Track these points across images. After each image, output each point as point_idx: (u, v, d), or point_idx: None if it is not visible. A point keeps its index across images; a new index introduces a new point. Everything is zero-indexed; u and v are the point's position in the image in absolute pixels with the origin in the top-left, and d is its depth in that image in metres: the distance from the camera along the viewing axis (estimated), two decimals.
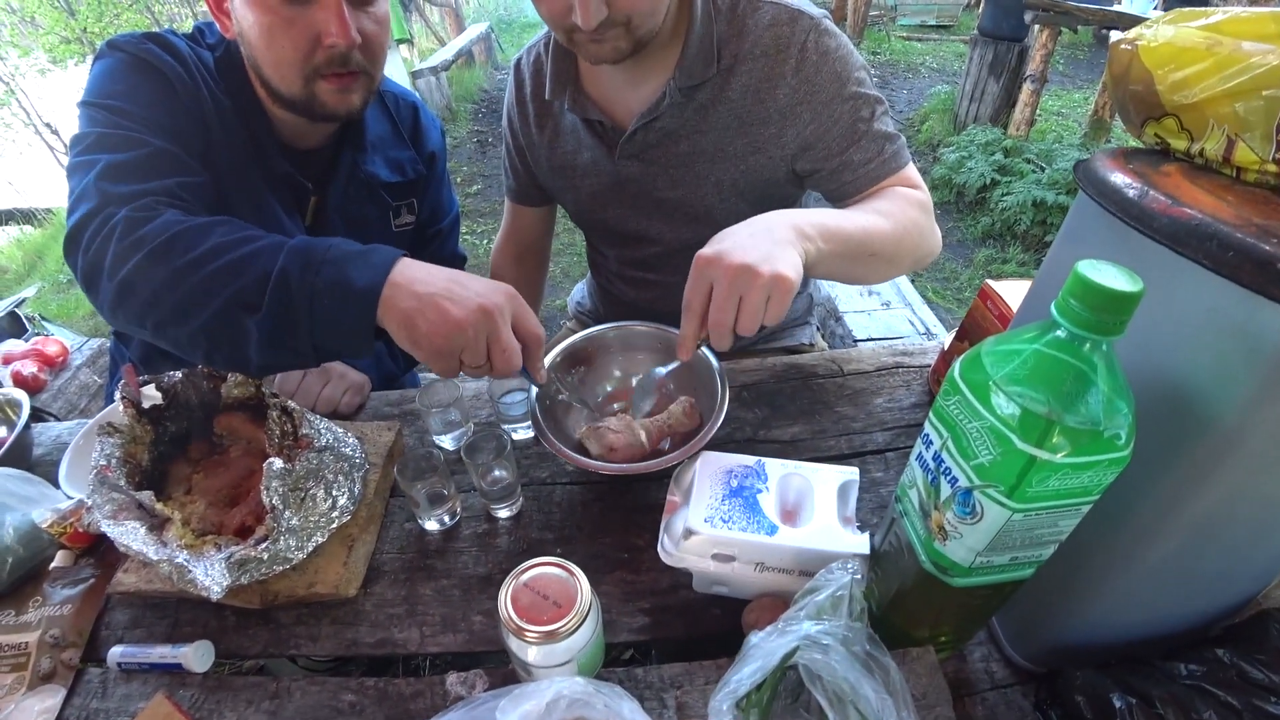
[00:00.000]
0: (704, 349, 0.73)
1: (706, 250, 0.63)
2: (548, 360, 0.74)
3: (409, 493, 0.67)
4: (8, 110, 6.15)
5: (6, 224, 4.94)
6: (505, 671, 0.59)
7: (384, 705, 0.59)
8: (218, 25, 0.79)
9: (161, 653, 0.64)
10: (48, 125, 6.16)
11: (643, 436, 0.71)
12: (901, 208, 0.81)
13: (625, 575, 0.68)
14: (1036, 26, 3.57)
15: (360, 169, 0.93)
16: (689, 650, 0.63)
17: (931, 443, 0.45)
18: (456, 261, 1.18)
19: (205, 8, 0.80)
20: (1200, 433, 0.39)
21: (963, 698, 0.55)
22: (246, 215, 0.82)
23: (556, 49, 0.93)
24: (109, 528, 0.60)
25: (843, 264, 0.74)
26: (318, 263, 0.60)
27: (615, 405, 0.80)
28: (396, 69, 5.05)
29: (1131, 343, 0.38)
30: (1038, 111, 3.91)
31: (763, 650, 0.49)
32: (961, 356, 0.43)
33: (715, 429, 0.69)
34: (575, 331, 1.29)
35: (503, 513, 0.70)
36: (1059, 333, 0.36)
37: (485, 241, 3.82)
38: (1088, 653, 0.53)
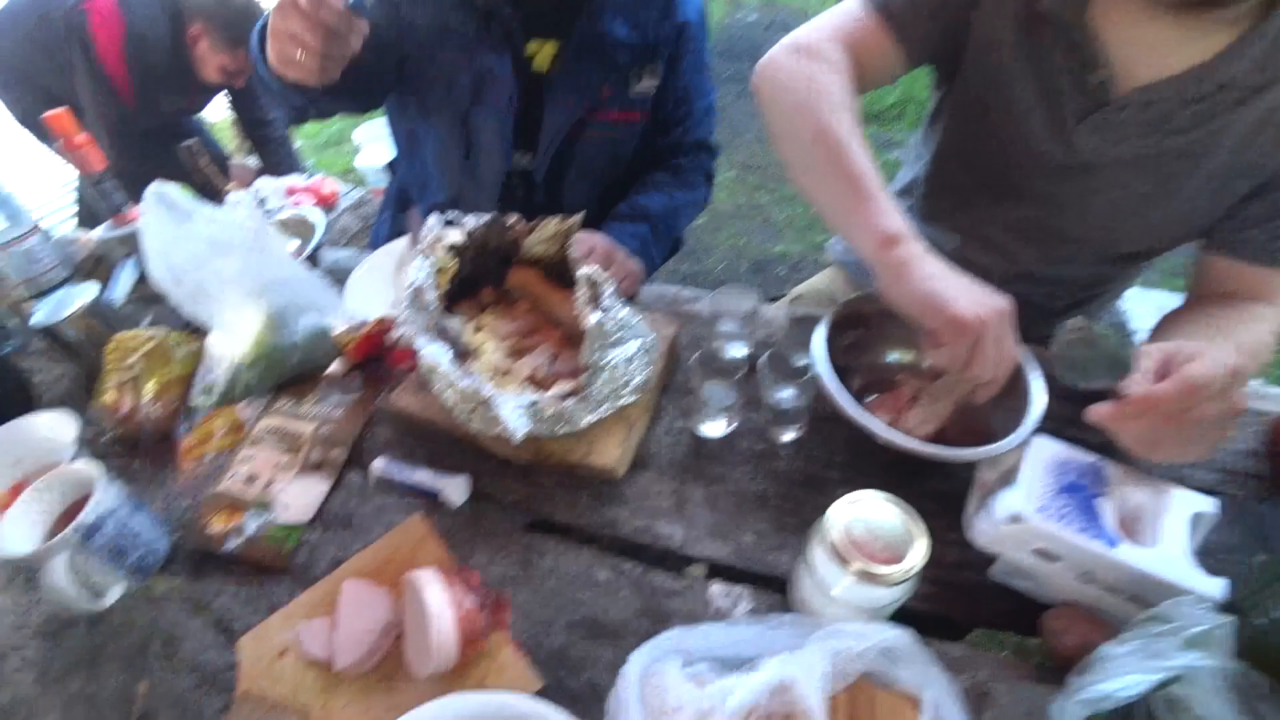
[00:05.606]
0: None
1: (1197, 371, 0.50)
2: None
3: (698, 390, 0.63)
4: None
5: None
6: (770, 599, 0.56)
7: (639, 593, 0.57)
8: None
9: (422, 477, 0.65)
10: None
11: (930, 427, 0.64)
12: None
13: None
14: None
15: (597, 21, 0.88)
16: (953, 631, 0.58)
17: None
18: (703, 152, 1.07)
19: None
20: None
21: None
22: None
23: None
24: (423, 344, 0.61)
25: None
26: None
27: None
28: None
29: None
30: None
31: (1128, 667, 0.42)
32: None
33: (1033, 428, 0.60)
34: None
35: (786, 436, 0.66)
36: None
37: None
38: None
